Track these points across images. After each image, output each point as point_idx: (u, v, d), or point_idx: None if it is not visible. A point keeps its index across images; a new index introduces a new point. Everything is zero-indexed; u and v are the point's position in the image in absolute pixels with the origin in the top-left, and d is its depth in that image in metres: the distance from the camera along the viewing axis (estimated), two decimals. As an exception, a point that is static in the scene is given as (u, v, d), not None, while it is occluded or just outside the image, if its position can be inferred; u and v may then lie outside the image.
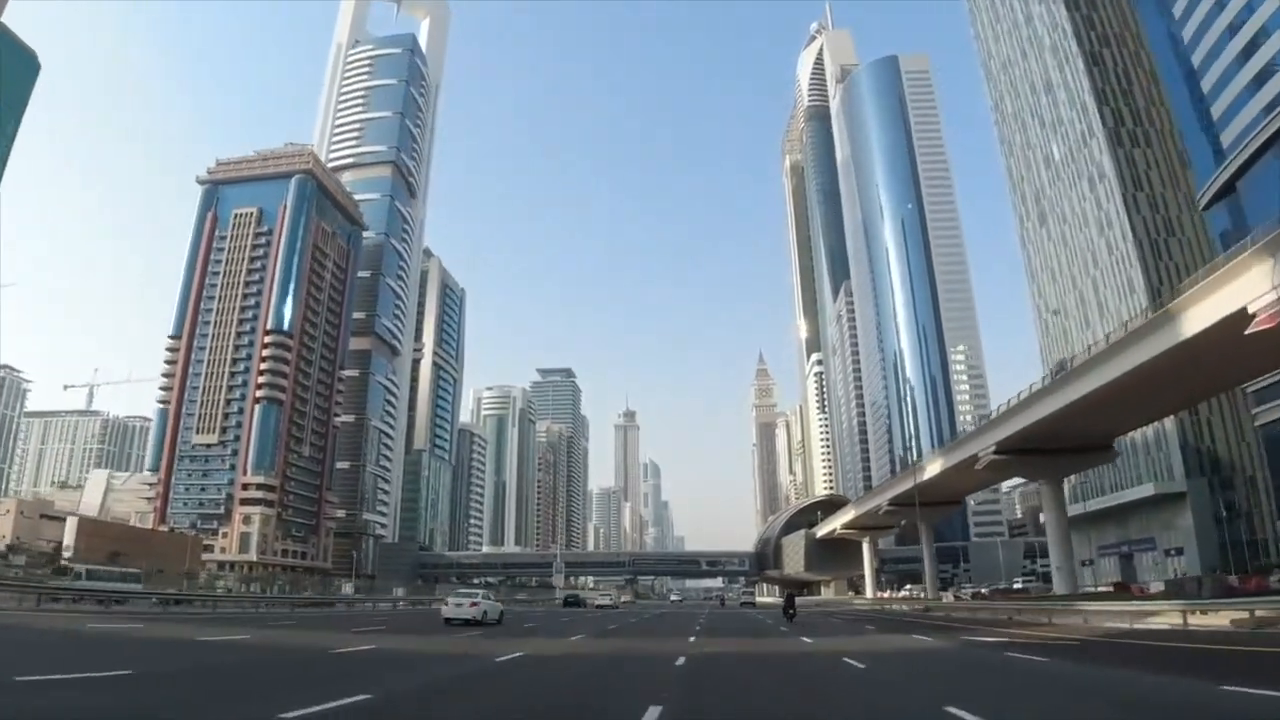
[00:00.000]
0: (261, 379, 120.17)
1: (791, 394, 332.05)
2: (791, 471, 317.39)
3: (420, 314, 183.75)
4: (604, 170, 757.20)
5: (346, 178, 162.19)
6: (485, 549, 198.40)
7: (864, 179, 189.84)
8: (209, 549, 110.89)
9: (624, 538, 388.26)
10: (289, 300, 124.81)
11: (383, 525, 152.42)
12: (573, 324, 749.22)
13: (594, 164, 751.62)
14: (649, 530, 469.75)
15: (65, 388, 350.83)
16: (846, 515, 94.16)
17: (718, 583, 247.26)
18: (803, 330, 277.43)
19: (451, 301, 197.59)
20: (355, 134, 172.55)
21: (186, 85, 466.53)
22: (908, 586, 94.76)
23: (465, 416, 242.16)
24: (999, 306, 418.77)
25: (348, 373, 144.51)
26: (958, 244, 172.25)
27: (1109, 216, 79.05)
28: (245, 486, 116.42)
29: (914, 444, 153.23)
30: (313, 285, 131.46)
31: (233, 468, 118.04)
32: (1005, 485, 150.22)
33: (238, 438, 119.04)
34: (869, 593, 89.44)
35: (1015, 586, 71.94)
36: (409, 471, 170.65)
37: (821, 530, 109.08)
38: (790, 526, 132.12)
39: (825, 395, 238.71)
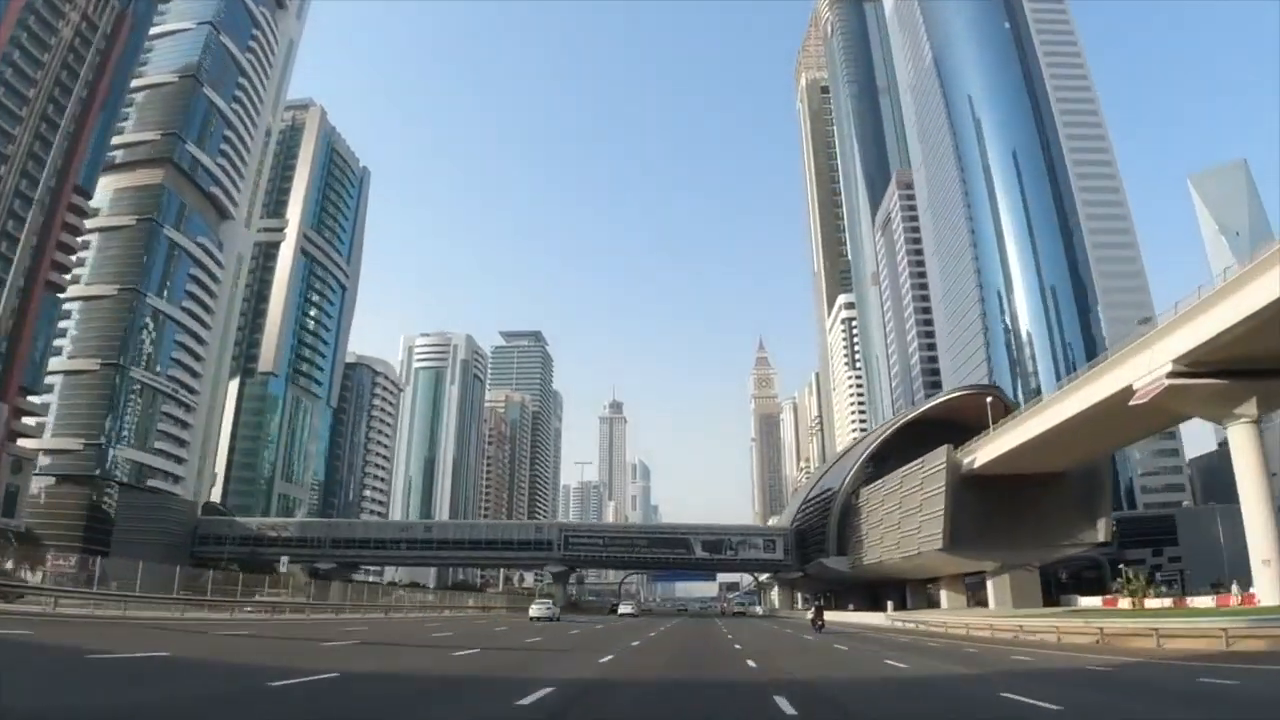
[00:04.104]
0: None
1: (794, 383, 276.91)
2: (804, 459, 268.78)
3: (285, 180, 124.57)
4: (578, 125, 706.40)
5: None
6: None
7: (932, 11, 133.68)
8: None
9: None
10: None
11: (175, 478, 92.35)
12: (560, 321, 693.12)
13: (570, 131, 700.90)
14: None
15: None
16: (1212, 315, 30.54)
17: (713, 589, 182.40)
18: (823, 277, 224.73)
19: (344, 180, 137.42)
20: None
21: None
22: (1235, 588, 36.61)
23: (391, 363, 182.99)
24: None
25: (114, 221, 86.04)
26: (1082, 75, 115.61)
27: None
28: None
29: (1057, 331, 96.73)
30: (28, 31, 73.39)
31: None
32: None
33: None
34: (1274, 592, 29.83)
35: None
36: (249, 406, 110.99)
37: (998, 445, 47.25)
38: (875, 465, 71.63)
39: (858, 346, 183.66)
